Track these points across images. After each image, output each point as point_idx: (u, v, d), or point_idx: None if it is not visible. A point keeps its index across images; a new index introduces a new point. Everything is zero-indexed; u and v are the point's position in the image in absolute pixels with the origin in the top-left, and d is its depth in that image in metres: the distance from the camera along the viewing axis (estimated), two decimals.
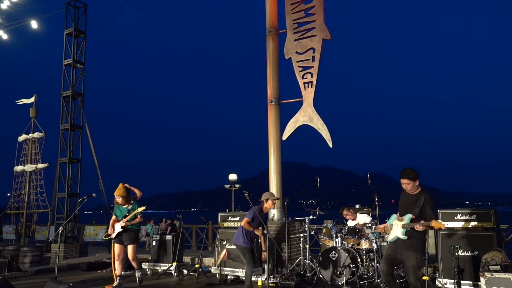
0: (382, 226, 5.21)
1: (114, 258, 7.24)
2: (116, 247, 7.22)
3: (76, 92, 12.26)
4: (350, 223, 7.75)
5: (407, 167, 4.82)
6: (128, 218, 7.14)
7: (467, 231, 6.03)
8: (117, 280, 7.08)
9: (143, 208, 7.23)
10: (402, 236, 4.63)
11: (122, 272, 7.19)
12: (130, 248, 7.19)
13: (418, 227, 4.51)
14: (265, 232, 6.38)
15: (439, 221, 4.52)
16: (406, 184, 4.73)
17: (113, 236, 7.22)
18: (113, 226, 7.27)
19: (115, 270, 7.21)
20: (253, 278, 7.29)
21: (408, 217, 4.65)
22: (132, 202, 7.43)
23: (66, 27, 12.56)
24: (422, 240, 4.69)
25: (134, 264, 7.35)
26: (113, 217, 7.36)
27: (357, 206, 8.56)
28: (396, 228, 4.77)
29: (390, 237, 4.85)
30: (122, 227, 7.13)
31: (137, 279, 7.42)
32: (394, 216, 4.92)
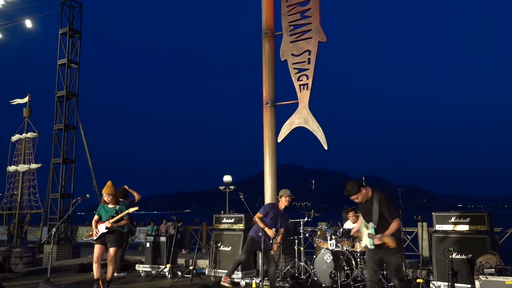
0: (355, 230, 5.21)
1: (93, 260, 6.75)
2: (97, 248, 6.72)
3: (71, 92, 12.19)
4: (348, 225, 7.75)
5: (346, 183, 4.69)
6: (116, 218, 6.69)
7: (461, 234, 6.05)
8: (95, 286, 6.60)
9: (136, 208, 6.93)
10: (370, 246, 4.55)
11: (115, 274, 7.09)
12: (112, 250, 6.71)
13: (376, 242, 4.44)
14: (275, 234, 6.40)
15: (390, 238, 4.35)
16: (356, 199, 4.64)
17: (95, 237, 6.76)
18: (96, 227, 6.79)
19: (96, 272, 6.70)
20: (247, 280, 7.27)
21: (371, 226, 4.56)
22: (119, 202, 7.06)
23: (61, 27, 12.49)
24: (397, 240, 4.51)
25: (110, 267, 6.76)
26: (96, 217, 6.87)
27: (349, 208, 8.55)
28: (365, 236, 4.69)
29: (362, 244, 4.82)
30: (107, 228, 6.68)
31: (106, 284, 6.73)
32: (363, 222, 4.80)
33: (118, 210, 6.83)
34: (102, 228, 6.75)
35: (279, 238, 6.54)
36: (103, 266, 7.07)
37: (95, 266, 6.74)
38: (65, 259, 11.01)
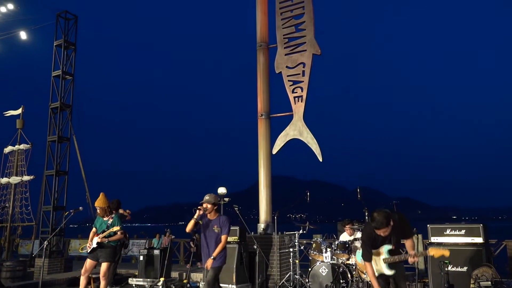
0: (360, 266, 4.71)
1: (81, 273, 6.67)
2: (87, 262, 6.65)
3: (65, 104, 12.14)
4: (344, 237, 7.70)
5: (376, 214, 4.03)
6: (104, 234, 6.59)
7: (456, 246, 6.03)
8: None
9: (118, 228, 6.62)
10: (389, 272, 4.17)
11: None
12: (104, 265, 6.59)
13: (412, 260, 3.99)
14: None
15: (440, 248, 3.97)
16: (384, 232, 4.02)
17: (89, 250, 6.67)
18: (91, 240, 6.71)
19: (82, 286, 6.63)
20: None
21: (386, 249, 4.19)
22: (113, 215, 6.90)
23: (56, 39, 12.49)
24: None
25: (103, 282, 6.65)
26: (93, 229, 6.81)
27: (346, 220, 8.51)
28: (377, 263, 4.24)
29: (376, 273, 4.24)
30: (97, 243, 6.58)
31: None
32: (361, 252, 4.43)
33: (110, 224, 6.70)
34: (94, 242, 6.65)
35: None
36: (95, 280, 6.92)
37: (81, 279, 6.66)
38: (57, 273, 10.81)
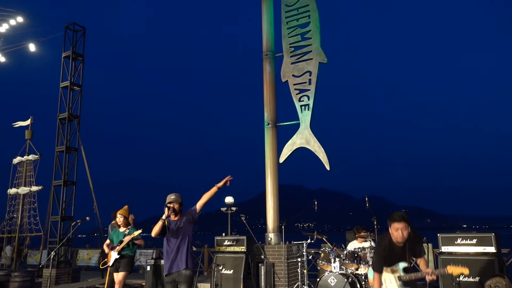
0: (371, 283, 4.43)
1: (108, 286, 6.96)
2: (113, 276, 6.93)
3: (73, 115, 12.23)
4: (354, 245, 7.58)
5: (395, 213, 4.02)
6: (122, 245, 6.87)
7: (468, 256, 5.93)
8: None
9: (140, 231, 6.88)
10: None
11: None
12: (122, 274, 6.87)
13: (430, 277, 3.79)
14: None
15: (459, 266, 3.73)
16: (402, 230, 3.90)
17: (110, 263, 6.92)
18: (108, 253, 7.00)
19: None
20: None
21: (401, 266, 4.01)
22: (129, 227, 7.16)
23: (64, 50, 12.64)
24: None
25: None
26: (107, 241, 7.09)
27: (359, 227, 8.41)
28: (391, 282, 4.06)
29: None
30: (119, 253, 6.88)
31: None
32: (371, 270, 4.31)
33: (127, 234, 6.99)
34: (114, 255, 6.93)
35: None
36: None
37: None
38: (64, 283, 10.81)
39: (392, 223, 3.96)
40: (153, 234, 4.82)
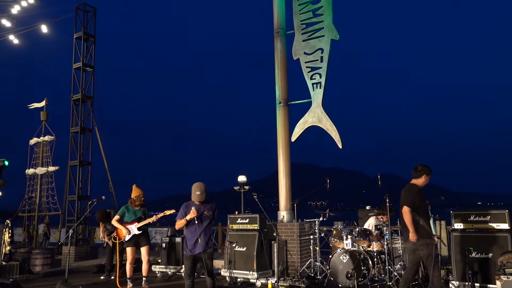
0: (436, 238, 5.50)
1: (128, 262, 7.08)
2: (131, 251, 7.05)
3: (86, 95, 12.35)
4: (370, 223, 7.60)
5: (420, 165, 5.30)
6: (149, 220, 7.11)
7: (481, 232, 5.90)
8: (131, 284, 7.04)
9: (172, 211, 6.91)
10: (433, 232, 5.68)
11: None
12: (146, 248, 7.11)
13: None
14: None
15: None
16: (428, 176, 5.28)
17: (127, 238, 7.02)
18: (125, 228, 7.02)
19: (125, 274, 7.22)
20: (263, 281, 7.25)
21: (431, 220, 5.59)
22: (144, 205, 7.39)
23: (75, 31, 12.67)
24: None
25: (146, 265, 7.12)
26: (117, 217, 7.08)
27: (367, 207, 8.45)
28: (426, 223, 5.13)
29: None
30: (139, 228, 7.05)
31: (144, 282, 7.13)
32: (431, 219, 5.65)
33: (145, 211, 7.26)
34: (134, 229, 7.08)
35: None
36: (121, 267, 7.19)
37: (129, 267, 7.09)
38: (83, 260, 11.15)
39: (429, 175, 5.25)
40: (177, 228, 5.32)
